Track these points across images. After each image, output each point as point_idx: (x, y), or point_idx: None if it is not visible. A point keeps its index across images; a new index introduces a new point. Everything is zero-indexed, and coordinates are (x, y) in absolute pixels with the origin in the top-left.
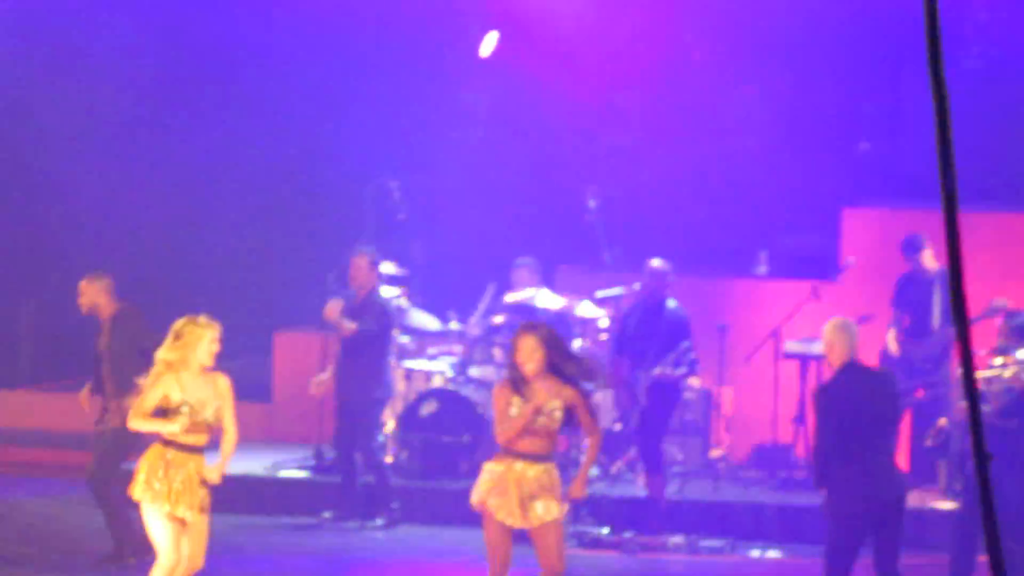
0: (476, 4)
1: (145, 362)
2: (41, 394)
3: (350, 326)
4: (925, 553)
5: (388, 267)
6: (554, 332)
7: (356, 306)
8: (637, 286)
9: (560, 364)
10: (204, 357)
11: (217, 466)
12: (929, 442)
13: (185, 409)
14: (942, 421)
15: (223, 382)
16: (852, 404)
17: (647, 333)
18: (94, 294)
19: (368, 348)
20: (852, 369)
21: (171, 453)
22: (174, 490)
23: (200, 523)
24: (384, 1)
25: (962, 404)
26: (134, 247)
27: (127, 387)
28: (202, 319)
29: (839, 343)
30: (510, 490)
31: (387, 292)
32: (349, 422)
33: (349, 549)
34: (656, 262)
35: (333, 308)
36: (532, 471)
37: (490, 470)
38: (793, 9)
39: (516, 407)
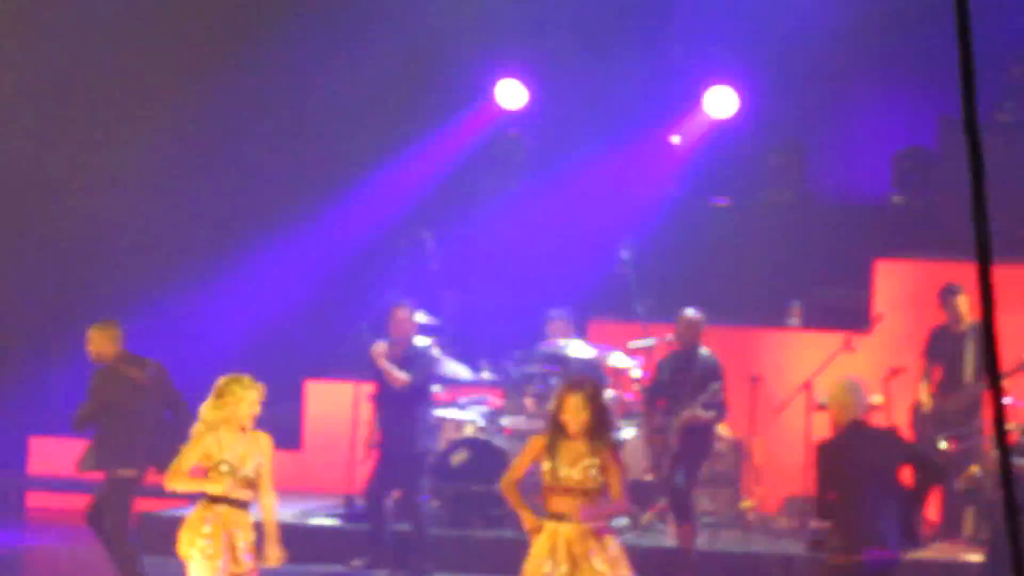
0: (507, 54)
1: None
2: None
3: (402, 377)
4: None
5: (420, 317)
6: (599, 389)
7: (400, 357)
8: (669, 336)
9: (602, 423)
10: (245, 418)
11: (273, 551)
12: (961, 487)
13: (225, 468)
14: (974, 468)
15: (265, 440)
16: (855, 464)
17: (680, 380)
18: (101, 341)
19: (413, 399)
20: (858, 428)
21: (219, 508)
22: (222, 546)
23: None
24: (412, 46)
25: (995, 454)
26: (162, 290)
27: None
28: (246, 379)
29: (849, 403)
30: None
31: (420, 342)
32: (391, 473)
33: None
34: (690, 311)
35: (381, 350)
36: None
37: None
38: (828, 62)
39: (546, 467)
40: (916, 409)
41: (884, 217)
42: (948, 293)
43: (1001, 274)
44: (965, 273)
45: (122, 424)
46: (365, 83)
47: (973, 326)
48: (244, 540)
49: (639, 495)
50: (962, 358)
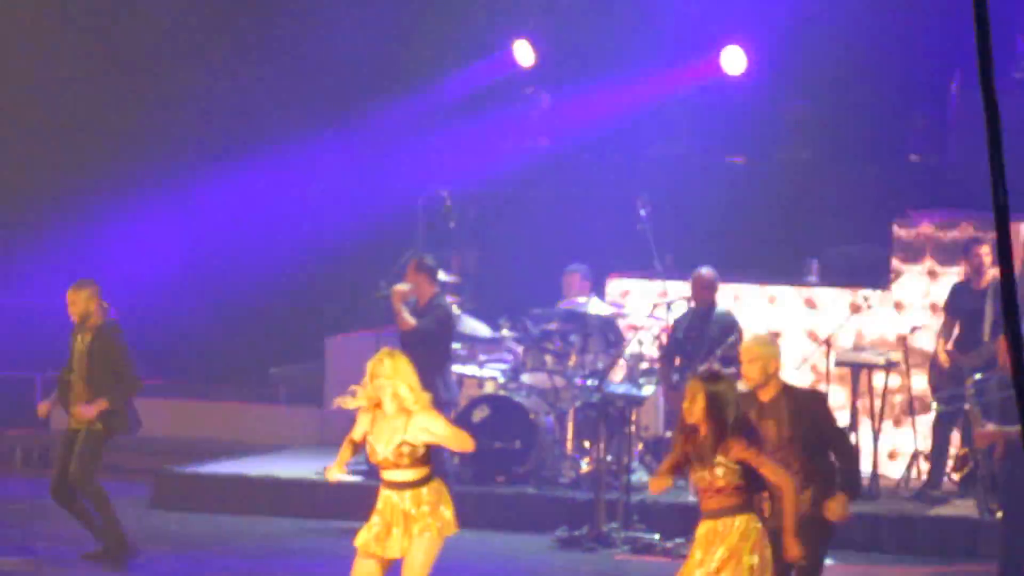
0: (527, 12)
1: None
2: None
3: (410, 321)
4: (974, 562)
5: (440, 274)
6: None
7: (418, 309)
8: (688, 294)
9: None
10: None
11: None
12: (956, 476)
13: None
14: (962, 451)
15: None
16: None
17: (696, 338)
18: (83, 302)
19: (428, 350)
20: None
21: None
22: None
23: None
24: (439, 4)
25: (981, 430)
26: (188, 253)
27: (100, 392)
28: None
29: (773, 355)
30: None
31: (440, 297)
32: None
33: None
34: (704, 270)
35: (401, 290)
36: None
37: None
38: (844, 22)
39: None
40: (933, 365)
41: (902, 174)
42: (971, 245)
43: (1018, 230)
44: (983, 230)
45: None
46: (392, 40)
47: (994, 283)
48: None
49: (660, 451)
50: (982, 314)
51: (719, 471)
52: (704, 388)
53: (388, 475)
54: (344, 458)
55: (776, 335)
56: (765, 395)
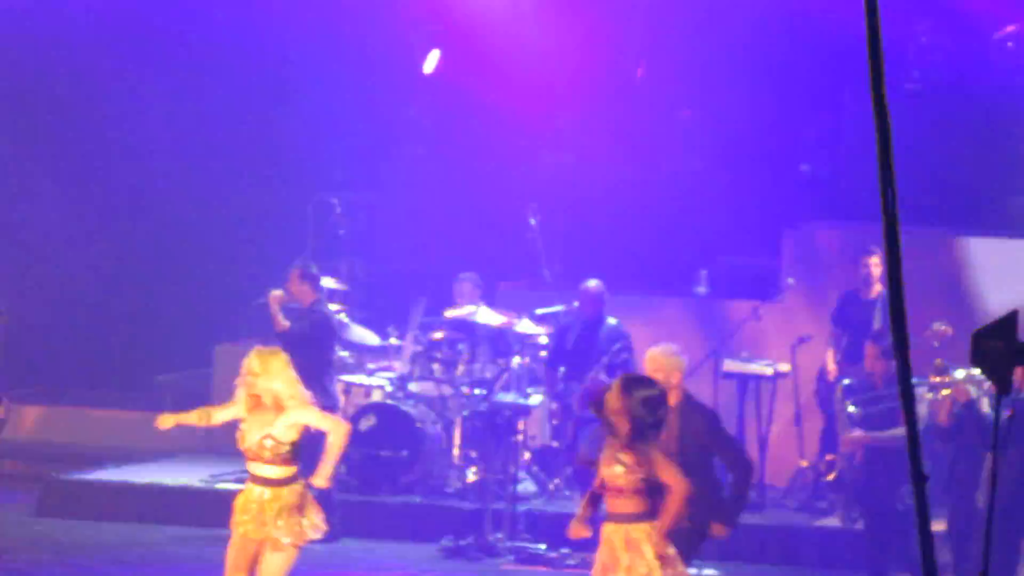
0: (420, 21)
1: None
2: None
3: (284, 323)
4: (859, 573)
5: (328, 282)
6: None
7: (297, 315)
8: (576, 304)
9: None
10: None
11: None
12: (828, 478)
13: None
14: (829, 456)
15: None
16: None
17: (584, 348)
18: None
19: (306, 355)
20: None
21: None
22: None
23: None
24: (327, 15)
25: (847, 435)
26: (76, 259)
27: None
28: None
29: (675, 365)
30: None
31: (326, 306)
32: None
33: None
34: (592, 282)
35: (277, 295)
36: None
37: None
38: (734, 31)
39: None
40: (822, 376)
41: (793, 185)
42: (861, 253)
43: (907, 239)
44: (873, 240)
45: None
46: (281, 50)
47: (883, 293)
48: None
49: (546, 462)
50: (870, 325)
51: (618, 468)
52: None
53: (252, 467)
54: (186, 418)
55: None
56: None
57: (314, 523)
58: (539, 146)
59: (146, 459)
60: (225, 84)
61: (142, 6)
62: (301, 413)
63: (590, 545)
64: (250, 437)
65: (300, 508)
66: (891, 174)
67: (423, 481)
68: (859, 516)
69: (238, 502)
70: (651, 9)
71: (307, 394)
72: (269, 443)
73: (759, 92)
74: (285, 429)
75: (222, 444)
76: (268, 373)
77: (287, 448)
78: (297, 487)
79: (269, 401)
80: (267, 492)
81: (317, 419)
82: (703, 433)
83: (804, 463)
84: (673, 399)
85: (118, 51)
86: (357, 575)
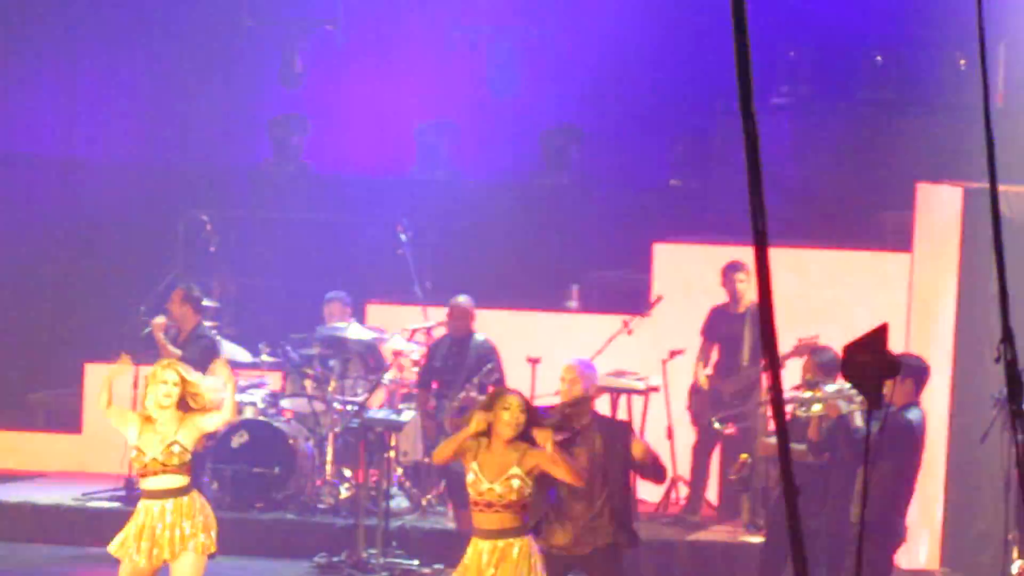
0: (284, 32)
1: None
2: None
3: (174, 351)
4: None
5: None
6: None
7: (177, 336)
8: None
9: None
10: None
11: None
12: (733, 477)
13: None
14: (743, 456)
15: None
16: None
17: (454, 365)
18: None
19: None
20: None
21: None
22: None
23: None
24: (190, 25)
25: (765, 439)
26: None
27: None
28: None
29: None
30: None
31: (200, 324)
32: None
33: None
34: (461, 298)
35: (160, 322)
36: None
37: None
38: (606, 44)
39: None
40: (693, 391)
41: (662, 200)
42: (729, 270)
43: (777, 254)
44: (743, 255)
45: None
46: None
47: (751, 307)
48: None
49: (418, 478)
50: (740, 339)
51: (515, 483)
52: (524, 402)
53: (150, 483)
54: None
55: (536, 360)
56: (578, 422)
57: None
58: (409, 160)
59: (17, 478)
60: (94, 98)
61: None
62: (206, 418)
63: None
64: (152, 450)
65: (206, 518)
66: (760, 188)
67: (296, 497)
68: (762, 525)
69: (131, 530)
70: (519, 20)
71: (212, 398)
72: (177, 449)
73: (629, 106)
74: (192, 432)
75: (95, 462)
76: (189, 378)
77: (189, 456)
78: (196, 494)
79: (175, 407)
80: (170, 504)
81: (217, 419)
82: (625, 450)
83: (677, 477)
84: (586, 416)
85: None
86: None
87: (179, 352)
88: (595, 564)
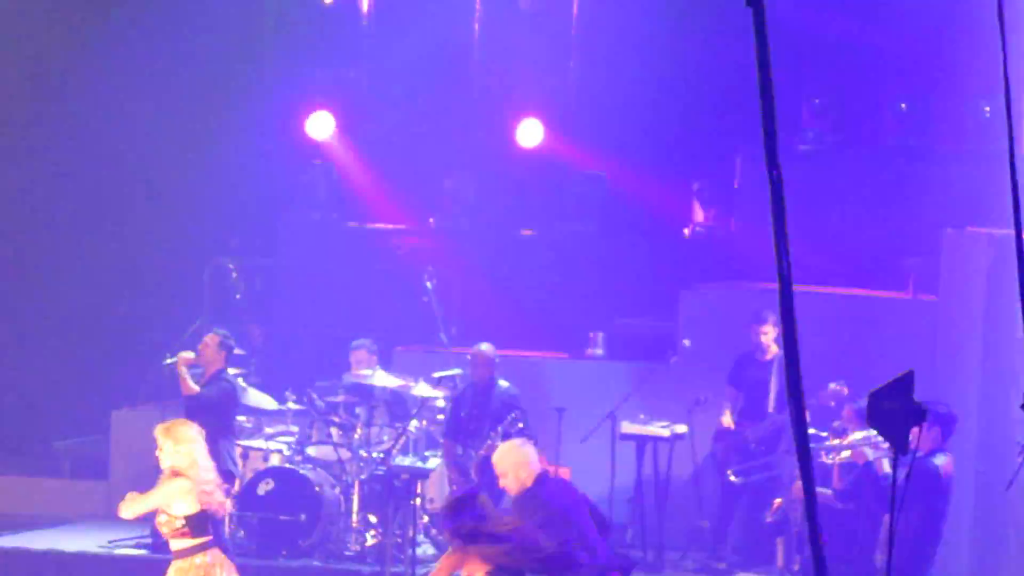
0: (310, 85)
1: None
2: None
3: (193, 386)
4: None
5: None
6: None
7: (203, 382)
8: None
9: None
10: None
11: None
12: (769, 519)
13: None
14: (778, 500)
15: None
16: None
17: (479, 414)
18: None
19: (206, 422)
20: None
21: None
22: None
23: None
24: (219, 68)
25: (799, 483)
26: None
27: None
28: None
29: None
30: None
31: (227, 372)
32: None
33: None
34: (484, 346)
35: (185, 356)
36: None
37: None
38: (629, 95)
39: None
40: (718, 437)
41: (688, 246)
42: (754, 323)
43: (802, 299)
44: (769, 300)
45: None
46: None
47: (778, 355)
48: None
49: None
50: (767, 386)
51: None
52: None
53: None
54: None
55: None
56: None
57: None
58: (433, 209)
59: (45, 525)
60: (115, 144)
61: None
62: (162, 493)
63: None
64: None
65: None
66: (785, 234)
67: (322, 545)
68: (799, 567)
69: None
70: (542, 70)
71: (202, 470)
72: (163, 519)
73: (654, 152)
74: (171, 503)
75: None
76: (177, 443)
77: (181, 522)
78: (203, 557)
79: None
80: (177, 563)
81: (165, 496)
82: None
83: (704, 524)
84: (531, 484)
85: None
86: None
87: (197, 388)
88: None
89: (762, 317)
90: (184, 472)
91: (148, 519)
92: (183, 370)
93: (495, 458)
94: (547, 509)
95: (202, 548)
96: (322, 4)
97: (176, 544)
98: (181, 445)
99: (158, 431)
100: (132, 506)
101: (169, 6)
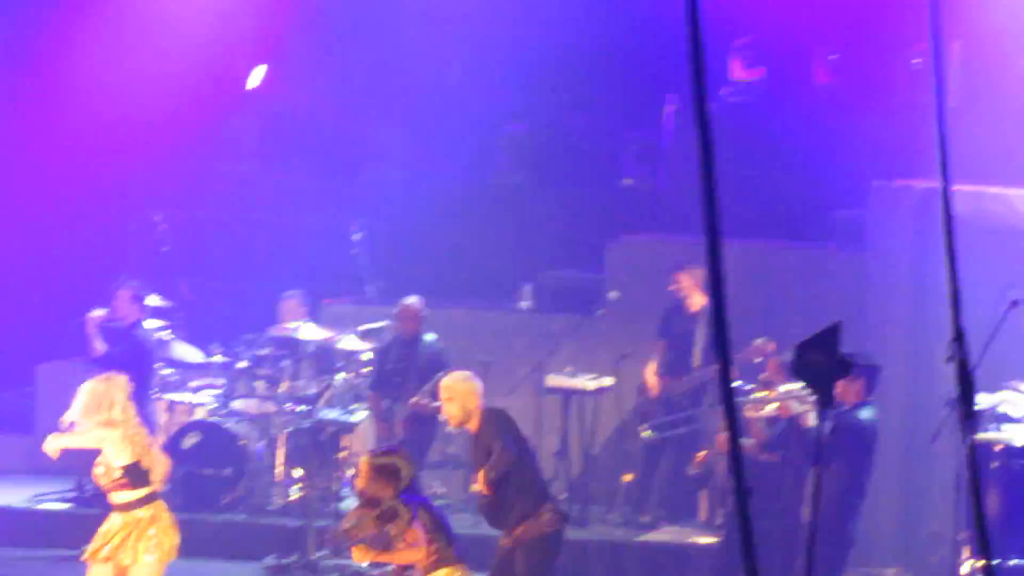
0: (241, 37)
1: None
2: None
3: (99, 348)
4: None
5: (153, 300)
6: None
7: (115, 335)
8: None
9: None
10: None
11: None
12: (691, 472)
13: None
14: (702, 453)
15: None
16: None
17: (404, 368)
18: None
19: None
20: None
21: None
22: None
23: None
24: (153, 31)
25: (723, 436)
26: None
27: None
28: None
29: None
30: None
31: (151, 325)
32: None
33: None
34: (410, 300)
35: (94, 316)
36: None
37: None
38: (555, 44)
39: None
40: (642, 391)
41: (615, 199)
42: (673, 269)
43: (730, 253)
44: (697, 253)
45: None
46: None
47: (704, 307)
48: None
49: None
50: (692, 339)
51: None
52: (369, 463)
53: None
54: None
55: (476, 373)
56: (473, 427)
57: (172, 544)
58: (361, 161)
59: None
60: (48, 100)
61: None
62: (94, 435)
63: None
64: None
65: (165, 525)
66: (713, 187)
67: (247, 499)
68: (723, 520)
69: (99, 530)
70: (472, 20)
71: (124, 416)
72: (101, 470)
73: (582, 105)
74: (106, 450)
75: (45, 464)
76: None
77: (119, 472)
78: (146, 510)
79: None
80: (117, 518)
81: (97, 439)
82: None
83: (628, 477)
84: (476, 421)
85: None
86: None
87: (104, 348)
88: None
89: (679, 265)
90: (116, 422)
91: (74, 471)
92: (92, 330)
93: (444, 383)
94: (514, 433)
95: (145, 501)
96: None
97: (117, 497)
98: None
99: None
100: (58, 439)
101: None
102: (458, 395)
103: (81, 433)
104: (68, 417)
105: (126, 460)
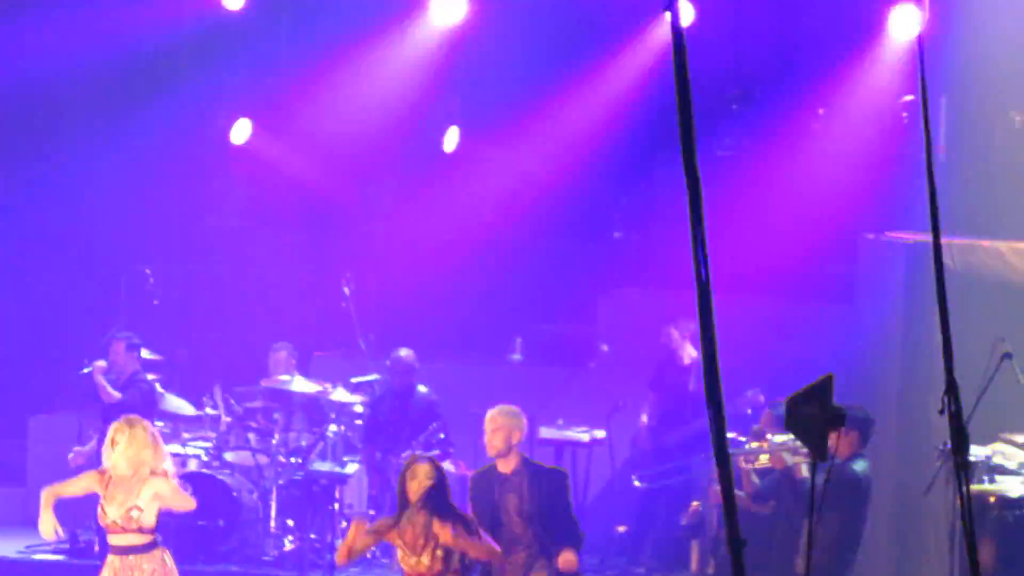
0: (229, 92)
1: None
2: None
3: (115, 394)
4: None
5: (144, 352)
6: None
7: (117, 383)
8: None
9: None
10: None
11: None
12: (684, 521)
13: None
14: (695, 504)
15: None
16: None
17: (398, 420)
18: None
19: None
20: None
21: None
22: None
23: None
24: (137, 84)
25: (716, 488)
26: None
27: None
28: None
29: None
30: None
31: (141, 375)
32: None
33: None
34: (403, 352)
35: (100, 365)
36: None
37: None
38: (547, 101)
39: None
40: (635, 442)
41: (606, 252)
42: (665, 324)
43: (720, 306)
44: (688, 306)
45: None
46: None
47: (698, 360)
48: None
49: None
50: (685, 389)
51: (425, 559)
52: (430, 468)
53: (115, 539)
54: (45, 508)
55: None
56: (506, 467)
57: None
58: (353, 215)
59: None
60: (32, 149)
61: None
62: (162, 484)
63: None
64: (113, 511)
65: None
66: (703, 240)
67: (240, 550)
68: (714, 571)
69: None
70: (464, 79)
71: (165, 463)
72: (136, 514)
73: (572, 160)
74: (150, 498)
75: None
76: (135, 442)
77: (152, 518)
78: (158, 552)
79: (130, 472)
80: (130, 560)
81: (169, 492)
82: (552, 496)
83: (621, 528)
84: (514, 461)
85: None
86: None
87: (117, 395)
88: None
89: (673, 320)
90: (168, 472)
91: (66, 523)
92: (99, 378)
93: (492, 413)
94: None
95: (156, 545)
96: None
97: (128, 540)
98: (160, 445)
99: (123, 430)
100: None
101: (87, 14)
102: (504, 427)
103: (141, 487)
104: (156, 465)
105: (159, 507)
